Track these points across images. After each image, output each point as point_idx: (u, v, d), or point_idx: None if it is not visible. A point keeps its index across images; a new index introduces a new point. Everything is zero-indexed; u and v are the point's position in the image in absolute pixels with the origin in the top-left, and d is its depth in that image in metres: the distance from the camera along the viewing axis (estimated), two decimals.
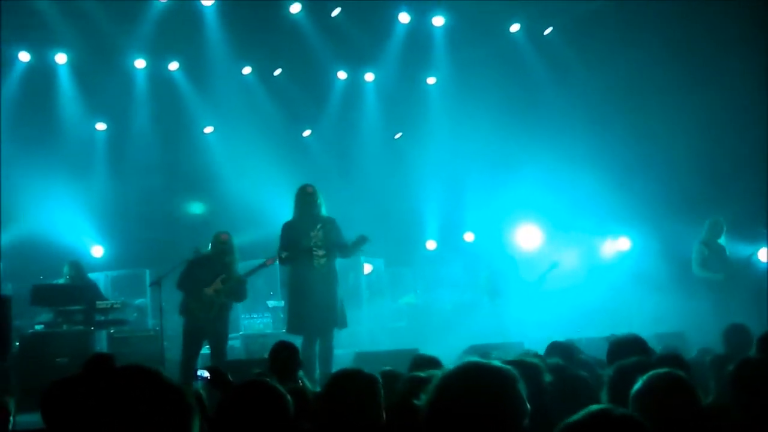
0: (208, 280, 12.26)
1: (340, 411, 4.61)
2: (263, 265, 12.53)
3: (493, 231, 16.72)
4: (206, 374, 7.32)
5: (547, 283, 14.62)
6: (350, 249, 11.86)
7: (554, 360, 6.15)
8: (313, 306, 11.60)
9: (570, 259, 15.43)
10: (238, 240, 13.18)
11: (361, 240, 11.72)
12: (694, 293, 14.00)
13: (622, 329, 7.28)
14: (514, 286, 14.55)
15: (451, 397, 3.08)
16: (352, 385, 4.71)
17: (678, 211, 15.07)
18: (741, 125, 14.68)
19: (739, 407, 4.65)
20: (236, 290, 12.43)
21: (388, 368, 6.45)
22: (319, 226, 11.78)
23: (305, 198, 11.82)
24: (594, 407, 2.93)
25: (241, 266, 12.66)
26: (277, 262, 12.29)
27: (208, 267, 12.35)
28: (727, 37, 14.79)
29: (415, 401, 4.25)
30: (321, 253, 11.77)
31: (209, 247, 12.47)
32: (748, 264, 14.26)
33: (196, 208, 16.55)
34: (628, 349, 6.11)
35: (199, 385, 7.08)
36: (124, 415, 2.49)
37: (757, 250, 14.38)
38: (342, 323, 11.93)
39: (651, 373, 4.23)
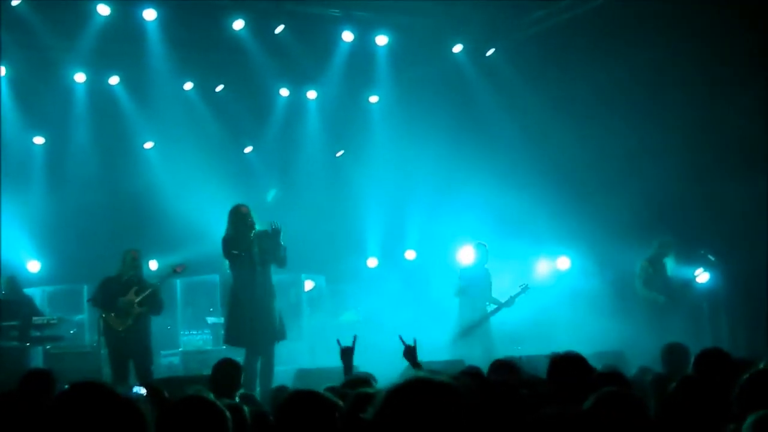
0: (121, 292, 12.54)
1: None
2: (174, 272, 12.84)
3: (435, 249, 16.75)
4: (142, 391, 7.24)
5: (515, 305, 14.47)
6: (273, 253, 11.90)
7: (499, 378, 6.16)
8: (256, 320, 11.66)
9: (511, 277, 15.46)
10: (179, 256, 13.17)
11: (274, 232, 11.75)
12: (632, 313, 14.15)
13: (562, 348, 7.30)
14: (485, 300, 14.46)
15: (397, 412, 3.06)
16: (310, 409, 4.62)
17: (617, 232, 15.20)
18: (680, 148, 14.86)
19: (679, 425, 4.70)
20: (151, 298, 12.59)
21: (331, 385, 6.42)
22: (255, 243, 11.79)
23: (240, 217, 11.83)
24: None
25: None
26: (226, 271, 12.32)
27: (120, 282, 12.71)
28: (666, 61, 15.01)
29: (361, 415, 4.20)
30: (259, 269, 11.82)
31: (120, 265, 12.80)
32: (688, 286, 14.44)
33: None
34: (568, 368, 6.15)
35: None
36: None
37: (697, 272, 14.55)
38: (281, 335, 12.01)
39: (602, 390, 4.25)
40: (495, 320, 14.43)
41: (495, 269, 14.90)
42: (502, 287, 14.83)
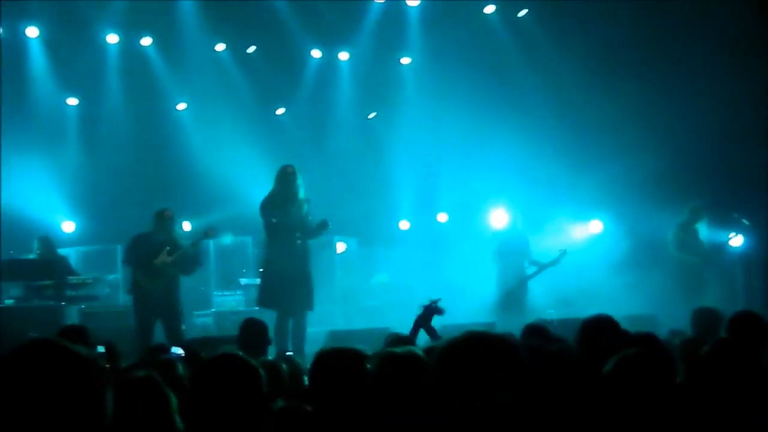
0: (154, 252, 12.40)
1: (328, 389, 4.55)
2: (205, 236, 12.75)
3: (467, 212, 16.69)
4: (180, 351, 7.30)
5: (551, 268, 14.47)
6: (312, 233, 12.08)
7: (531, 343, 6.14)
8: (291, 284, 11.75)
9: (544, 241, 15.42)
10: (211, 217, 13.17)
11: (323, 225, 11.99)
12: (666, 277, 14.11)
13: (594, 311, 7.27)
14: (523, 263, 14.45)
15: (457, 366, 3.06)
16: (340, 362, 4.64)
17: (650, 196, 15.15)
18: (713, 111, 14.76)
19: (711, 388, 4.68)
20: (186, 259, 12.59)
21: (360, 347, 6.43)
22: (297, 206, 11.87)
23: (286, 177, 11.89)
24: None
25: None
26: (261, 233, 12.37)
27: (153, 241, 12.57)
28: (702, 22, 14.90)
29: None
30: (298, 234, 11.90)
31: (154, 223, 12.70)
32: (722, 250, 14.37)
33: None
34: (600, 331, 6.13)
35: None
36: (26, 392, 2.37)
37: (731, 236, 14.47)
38: (311, 305, 12.12)
39: (624, 352, 4.25)
40: (529, 283, 14.43)
41: (528, 232, 14.87)
42: (536, 250, 14.82)
